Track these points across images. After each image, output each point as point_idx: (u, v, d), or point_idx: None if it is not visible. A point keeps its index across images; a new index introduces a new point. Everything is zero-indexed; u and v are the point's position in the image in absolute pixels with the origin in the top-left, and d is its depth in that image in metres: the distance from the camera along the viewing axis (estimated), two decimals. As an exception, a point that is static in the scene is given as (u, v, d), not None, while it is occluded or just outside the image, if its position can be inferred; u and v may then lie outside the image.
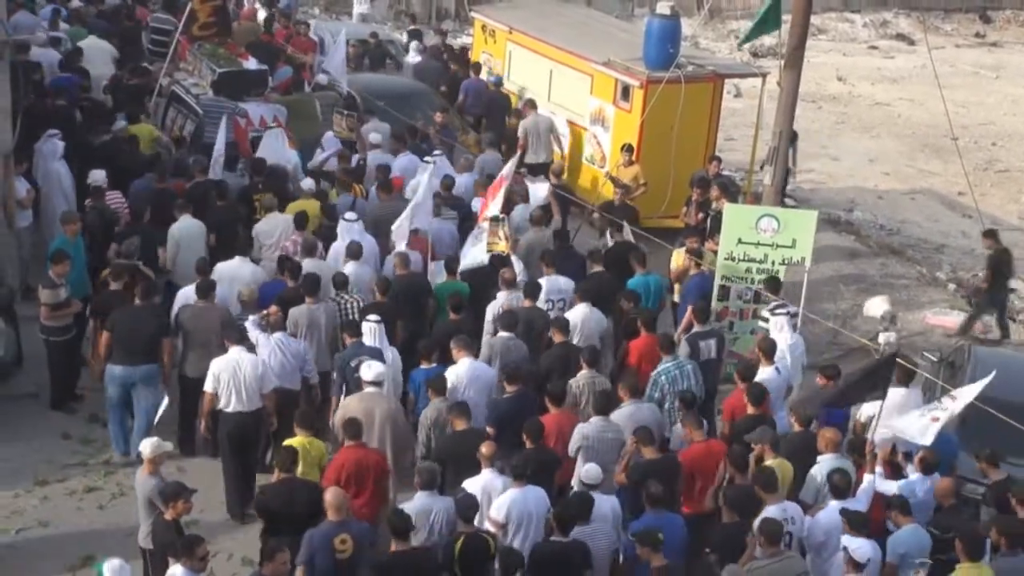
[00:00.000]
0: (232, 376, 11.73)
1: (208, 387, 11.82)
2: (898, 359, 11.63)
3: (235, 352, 11.82)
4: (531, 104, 20.14)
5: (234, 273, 13.71)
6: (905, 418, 11.05)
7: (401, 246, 14.31)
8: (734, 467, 10.68)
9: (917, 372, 12.58)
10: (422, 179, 14.70)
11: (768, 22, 17.28)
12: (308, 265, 13.69)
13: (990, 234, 17.54)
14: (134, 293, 12.92)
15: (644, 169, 18.03)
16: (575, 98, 20.02)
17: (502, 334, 12.67)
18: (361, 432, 10.64)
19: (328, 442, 11.46)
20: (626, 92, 18.84)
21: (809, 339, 14.87)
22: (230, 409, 11.81)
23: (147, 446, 10.23)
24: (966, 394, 10.85)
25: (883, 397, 11.05)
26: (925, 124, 28.03)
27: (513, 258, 14.37)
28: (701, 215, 16.83)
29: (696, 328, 13.37)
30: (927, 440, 10.78)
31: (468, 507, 9.82)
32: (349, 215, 14.75)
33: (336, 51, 20.22)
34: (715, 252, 15.09)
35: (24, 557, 11.30)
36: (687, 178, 17.90)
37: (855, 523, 9.99)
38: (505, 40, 21.78)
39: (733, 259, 14.71)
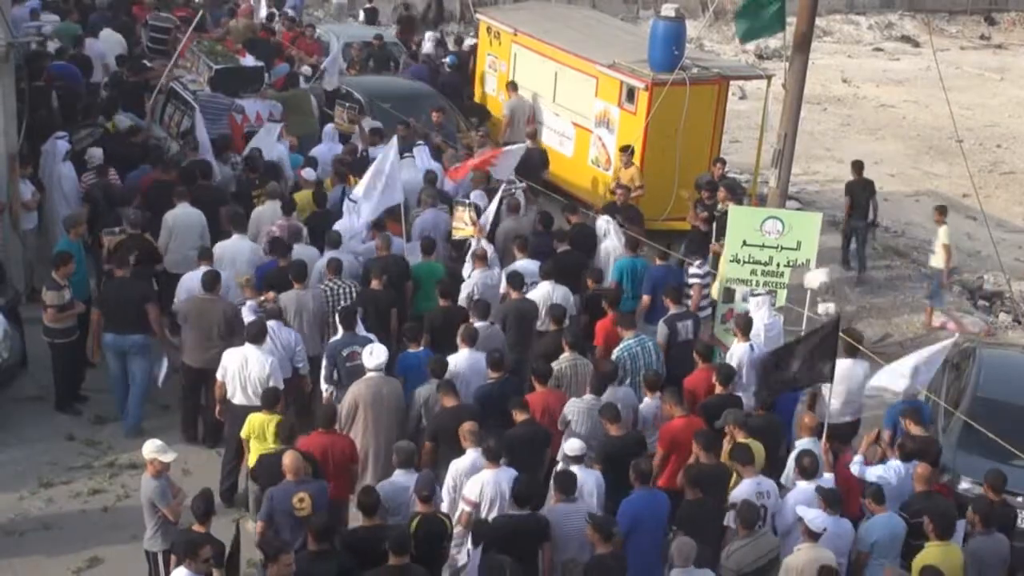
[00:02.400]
0: (239, 371, 11.92)
1: (218, 375, 12.09)
2: (841, 332, 12.03)
3: (247, 348, 11.96)
4: (513, 87, 20.88)
5: (235, 251, 14.04)
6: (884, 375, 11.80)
7: (363, 225, 14.64)
8: (700, 447, 10.81)
9: (861, 348, 12.89)
10: (384, 154, 14.83)
11: (766, 15, 17.17)
12: (295, 251, 13.94)
13: (855, 166, 19.31)
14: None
15: (649, 171, 18.04)
16: (580, 100, 20.03)
17: (477, 323, 12.71)
18: (334, 420, 10.99)
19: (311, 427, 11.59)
20: (631, 94, 18.83)
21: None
22: (236, 401, 12.01)
23: (147, 447, 10.24)
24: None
25: (831, 373, 11.57)
26: (930, 126, 28.02)
27: (483, 241, 14.57)
28: (705, 216, 16.82)
29: (673, 310, 13.55)
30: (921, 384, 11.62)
31: (424, 486, 9.94)
32: (355, 195, 14.89)
33: (333, 54, 20.86)
34: (720, 254, 15.11)
35: (29, 559, 11.30)
36: (692, 180, 17.89)
37: (830, 500, 10.14)
38: (510, 42, 21.79)
39: (738, 261, 14.68)
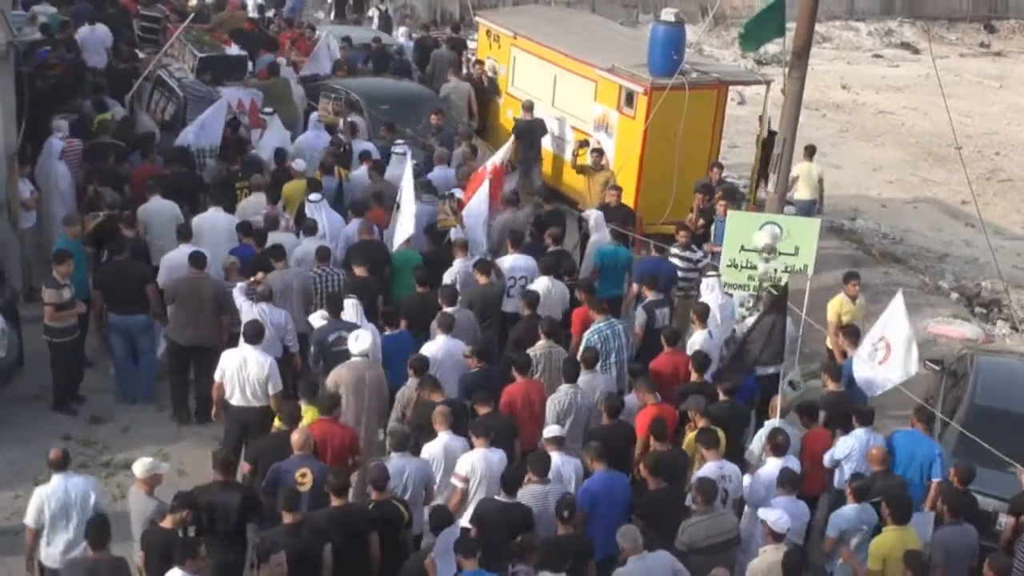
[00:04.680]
0: (237, 372, 11.95)
1: (216, 376, 12.13)
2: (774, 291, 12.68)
3: (245, 349, 11.99)
4: (455, 71, 21.60)
5: (213, 223, 14.47)
6: (862, 375, 12.11)
7: (398, 243, 14.71)
8: (653, 435, 11.04)
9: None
10: (403, 180, 15.06)
11: (769, 24, 17.22)
12: (273, 238, 14.20)
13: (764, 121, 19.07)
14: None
15: (648, 176, 18.08)
16: (579, 104, 20.03)
17: (447, 309, 12.84)
18: (336, 407, 11.06)
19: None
20: (630, 98, 18.83)
21: (812, 348, 15.05)
22: (234, 402, 12.06)
23: (139, 466, 10.24)
24: (898, 328, 11.84)
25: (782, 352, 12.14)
26: (929, 133, 28.04)
27: (464, 231, 14.80)
28: (702, 221, 16.84)
29: (650, 297, 13.82)
30: (909, 373, 11.87)
31: (377, 478, 10.12)
32: (313, 196, 15.19)
33: (322, 53, 21.30)
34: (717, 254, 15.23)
35: (24, 558, 11.27)
36: (690, 185, 17.89)
37: (784, 480, 10.41)
38: (510, 45, 21.80)
39: (736, 266, 14.70)
